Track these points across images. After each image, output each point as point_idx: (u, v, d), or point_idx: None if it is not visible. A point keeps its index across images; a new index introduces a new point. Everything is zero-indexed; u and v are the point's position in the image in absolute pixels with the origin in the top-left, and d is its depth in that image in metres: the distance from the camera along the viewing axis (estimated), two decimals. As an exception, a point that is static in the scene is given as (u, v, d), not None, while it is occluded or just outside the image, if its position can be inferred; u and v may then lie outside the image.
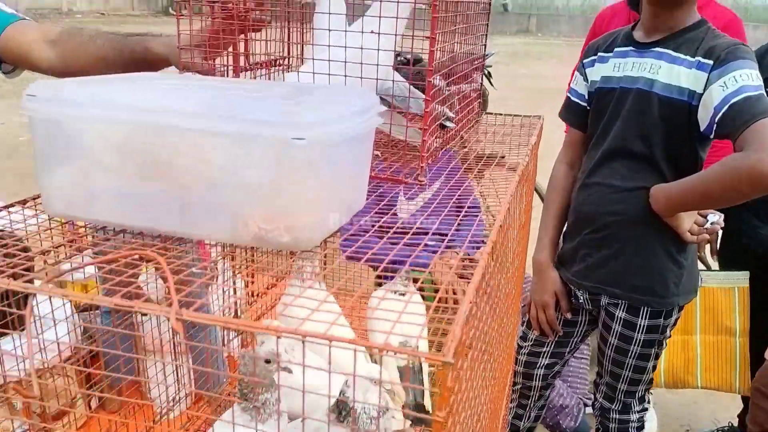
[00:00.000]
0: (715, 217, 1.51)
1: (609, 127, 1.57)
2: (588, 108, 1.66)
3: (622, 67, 1.56)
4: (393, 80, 1.02)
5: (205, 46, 1.07)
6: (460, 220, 0.92)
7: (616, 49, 1.59)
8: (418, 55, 1.15)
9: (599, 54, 1.64)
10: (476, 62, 1.38)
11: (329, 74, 0.94)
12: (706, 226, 1.50)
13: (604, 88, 1.59)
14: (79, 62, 1.22)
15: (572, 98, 1.72)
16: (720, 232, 1.65)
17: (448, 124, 1.11)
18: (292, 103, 0.78)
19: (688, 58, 1.44)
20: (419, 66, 1.14)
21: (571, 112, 1.73)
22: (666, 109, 1.46)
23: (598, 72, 1.62)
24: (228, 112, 0.69)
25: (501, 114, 1.54)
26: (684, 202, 1.46)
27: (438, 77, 1.00)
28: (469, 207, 0.98)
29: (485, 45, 1.40)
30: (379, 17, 0.92)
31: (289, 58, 1.20)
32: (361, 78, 0.93)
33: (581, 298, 1.67)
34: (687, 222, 1.50)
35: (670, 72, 1.46)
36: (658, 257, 1.55)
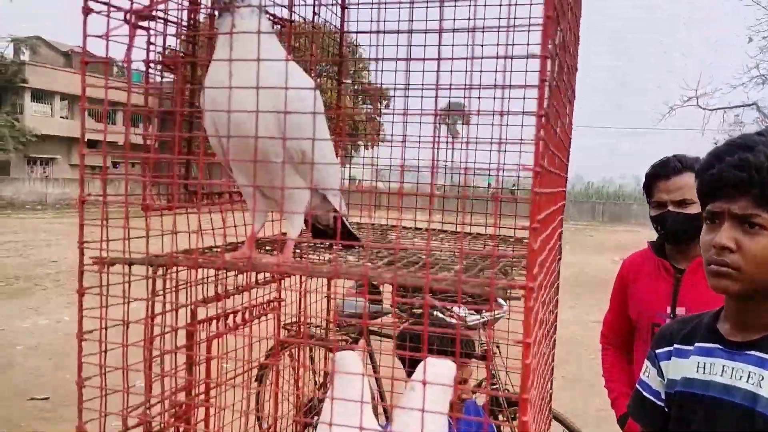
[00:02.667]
0: None
1: None
2: (665, 409, 1.34)
3: (709, 369, 1.24)
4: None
5: None
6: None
7: (697, 344, 1.29)
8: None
9: (675, 346, 1.33)
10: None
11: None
12: None
13: (687, 393, 1.27)
14: None
15: (645, 394, 1.39)
16: None
17: None
18: None
19: None
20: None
21: (644, 411, 1.39)
22: None
23: (677, 369, 1.31)
24: None
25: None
26: None
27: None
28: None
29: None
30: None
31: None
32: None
33: None
34: None
35: None
36: None
